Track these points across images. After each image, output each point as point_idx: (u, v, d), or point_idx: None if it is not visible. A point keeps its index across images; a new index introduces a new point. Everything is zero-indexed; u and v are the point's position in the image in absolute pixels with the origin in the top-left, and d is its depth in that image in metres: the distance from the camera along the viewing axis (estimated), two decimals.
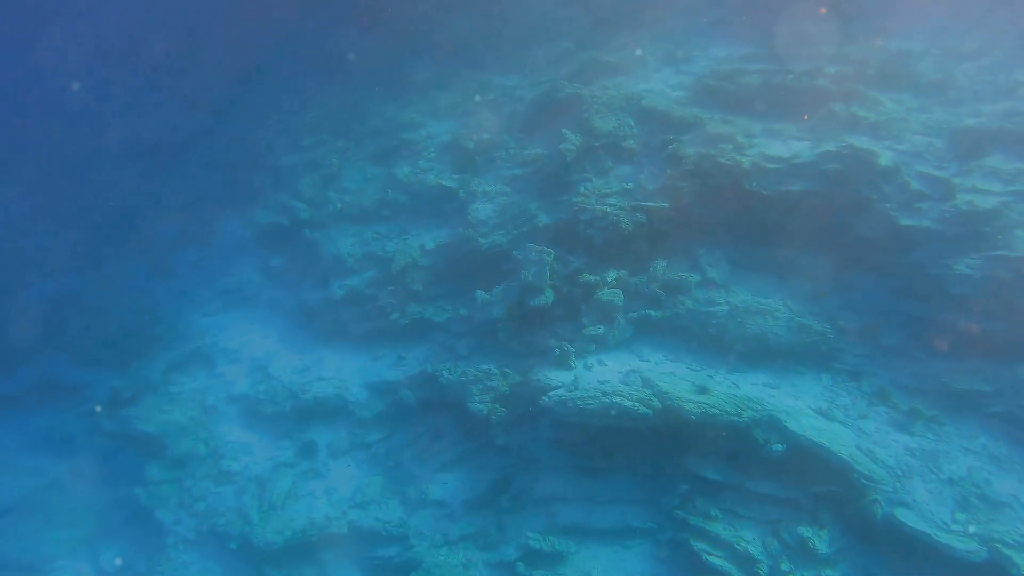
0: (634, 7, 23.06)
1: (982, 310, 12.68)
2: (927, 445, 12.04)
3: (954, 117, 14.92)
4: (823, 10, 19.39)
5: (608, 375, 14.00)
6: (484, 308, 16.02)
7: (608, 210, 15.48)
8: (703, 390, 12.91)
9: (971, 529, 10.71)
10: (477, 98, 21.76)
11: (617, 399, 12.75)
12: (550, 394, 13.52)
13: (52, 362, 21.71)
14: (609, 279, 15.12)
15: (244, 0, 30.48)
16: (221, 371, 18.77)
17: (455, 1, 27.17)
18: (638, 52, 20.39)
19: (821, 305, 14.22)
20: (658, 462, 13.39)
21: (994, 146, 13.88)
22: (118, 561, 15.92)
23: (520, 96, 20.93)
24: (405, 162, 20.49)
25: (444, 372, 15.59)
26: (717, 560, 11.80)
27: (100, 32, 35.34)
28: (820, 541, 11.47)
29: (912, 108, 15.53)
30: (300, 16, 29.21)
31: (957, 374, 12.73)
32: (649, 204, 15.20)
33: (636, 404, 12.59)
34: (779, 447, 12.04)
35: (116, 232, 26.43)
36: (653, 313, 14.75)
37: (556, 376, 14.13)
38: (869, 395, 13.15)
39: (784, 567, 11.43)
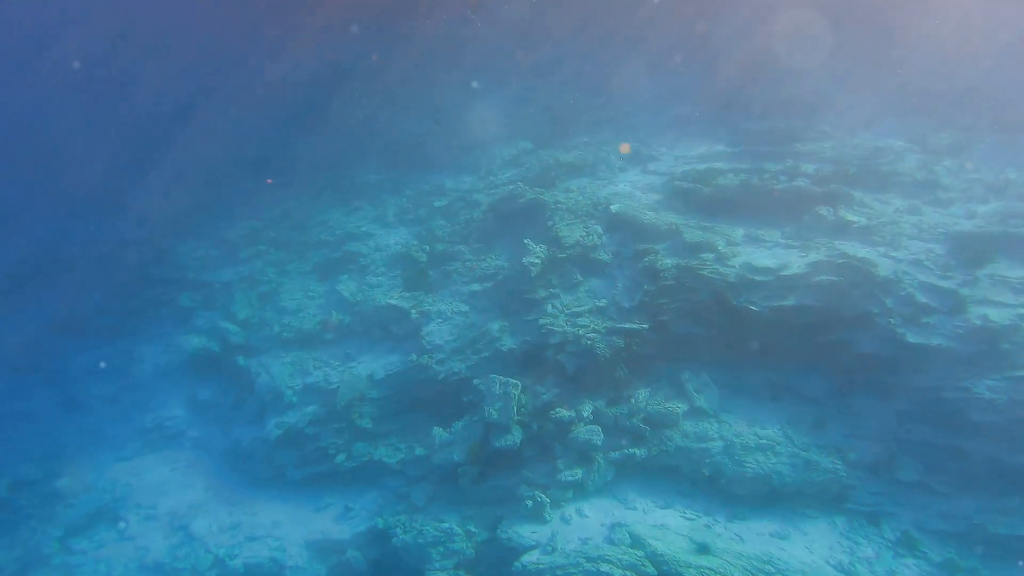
0: (593, 104, 22.77)
1: (1012, 438, 11.57)
2: None
3: (949, 219, 14.34)
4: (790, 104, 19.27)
5: (590, 530, 12.44)
6: (442, 449, 14.40)
7: (580, 332, 14.26)
8: (703, 549, 11.38)
9: None
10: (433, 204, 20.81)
11: (605, 568, 11.10)
12: (524, 559, 11.91)
13: None
14: (585, 413, 13.72)
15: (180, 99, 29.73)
16: (133, 532, 16.50)
17: (405, 99, 26.77)
18: (601, 152, 19.80)
19: (825, 435, 12.98)
20: None
21: (997, 251, 13.20)
22: None
23: (476, 201, 20.05)
24: (351, 277, 19.21)
25: (398, 530, 13.75)
26: None
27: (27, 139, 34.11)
28: None
29: (901, 210, 14.96)
30: (240, 115, 28.40)
31: (992, 514, 11.48)
32: (627, 326, 14.02)
33: (626, 574, 10.93)
34: None
35: (25, 361, 24.20)
36: (637, 452, 13.32)
37: (529, 532, 12.60)
38: (893, 543, 11.75)
39: None
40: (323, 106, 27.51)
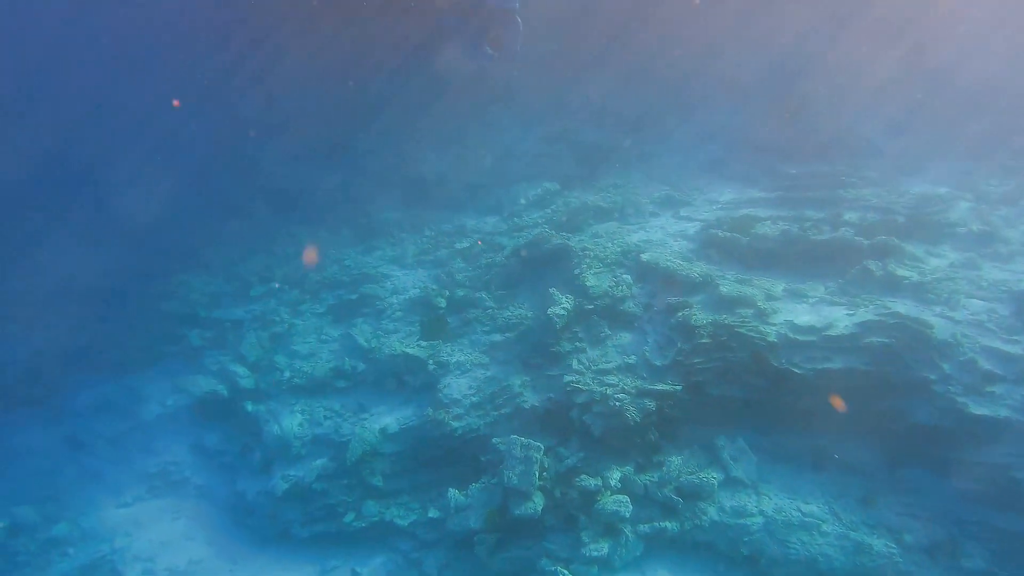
0: (622, 143, 22.07)
1: None
2: None
3: (1011, 276, 13.33)
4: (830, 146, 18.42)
5: None
6: (458, 514, 13.48)
7: (608, 392, 13.34)
8: None
9: None
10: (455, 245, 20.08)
11: None
12: None
13: None
14: (612, 481, 12.73)
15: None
16: None
17: (428, 134, 26.27)
18: (631, 195, 19.01)
19: (876, 512, 11.89)
20: None
21: None
22: None
23: (499, 244, 19.30)
24: (366, 321, 18.47)
25: None
26: None
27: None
28: None
29: (957, 264, 13.96)
30: (255, 147, 28.05)
31: None
32: (659, 387, 13.08)
33: None
34: None
35: (29, 393, 23.69)
36: (669, 525, 12.30)
37: None
38: None
39: None
40: (343, 139, 27.13)
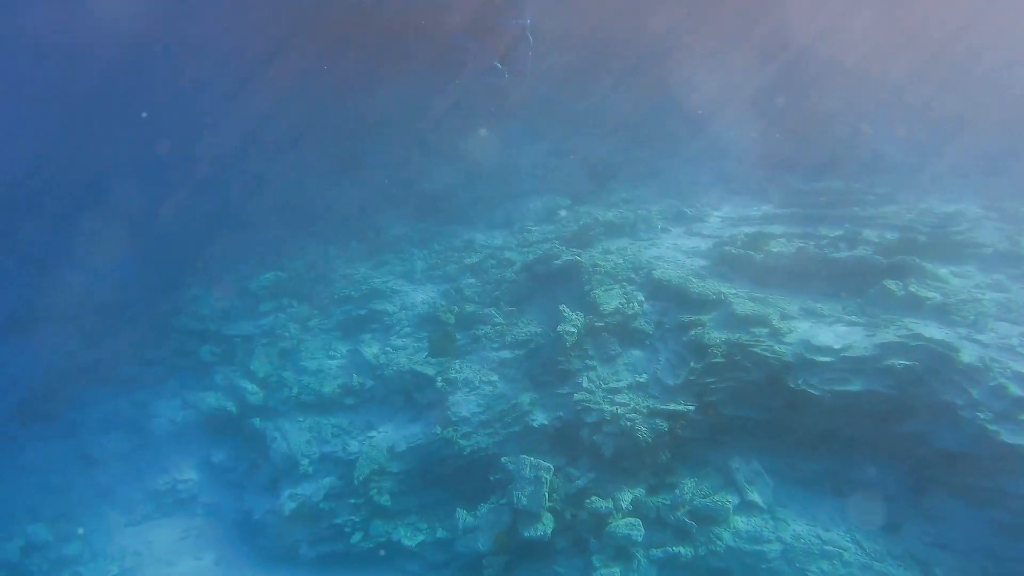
0: (632, 157, 21.83)
1: None
2: None
3: None
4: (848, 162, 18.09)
5: None
6: (466, 535, 13.22)
7: (619, 412, 13.06)
8: None
9: None
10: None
11: None
12: None
13: None
14: (624, 504, 12.44)
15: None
16: None
17: (436, 148, 26.18)
18: (642, 210, 18.76)
19: (902, 541, 11.48)
20: None
21: None
22: None
23: (509, 259, 19.09)
24: (375, 337, 18.28)
25: None
26: None
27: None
28: None
29: (983, 285, 13.56)
30: (266, 161, 28.06)
31: None
32: (671, 407, 12.79)
33: None
34: None
35: (42, 408, 23.67)
36: (682, 551, 11.97)
37: None
38: None
39: None
40: (354, 154, 27.09)
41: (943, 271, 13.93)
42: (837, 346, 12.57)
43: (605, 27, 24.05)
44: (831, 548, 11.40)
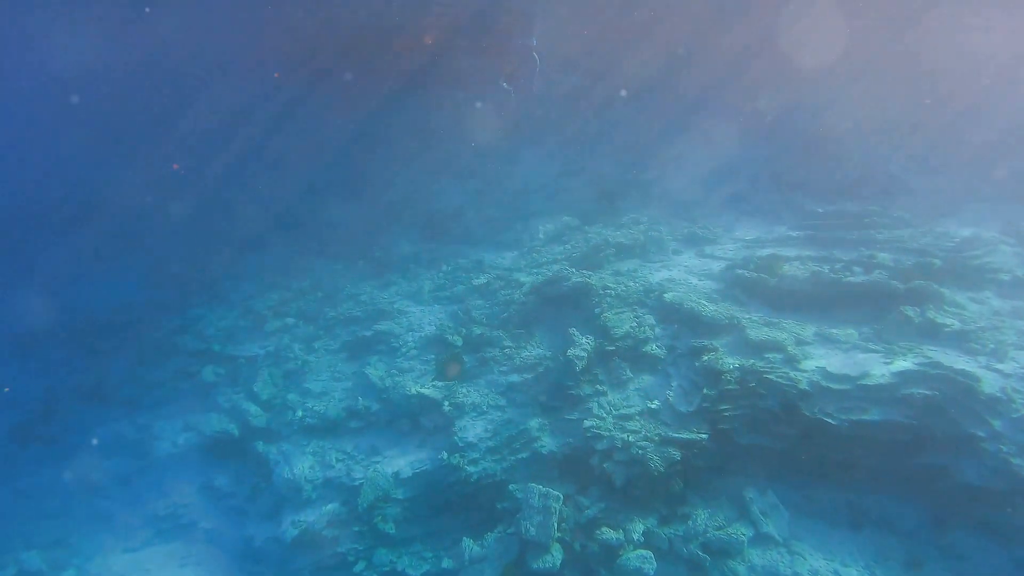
0: (644, 178, 21.66)
1: None
2: None
3: None
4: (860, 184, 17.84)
5: None
6: (473, 566, 12.86)
7: (631, 440, 12.74)
8: None
9: None
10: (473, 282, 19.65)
11: None
12: None
13: None
14: (635, 535, 12.08)
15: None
16: None
17: (445, 167, 26.08)
18: (653, 231, 18.52)
19: None
20: None
21: None
22: None
23: (517, 280, 18.85)
24: (381, 359, 18.01)
25: None
26: None
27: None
28: None
29: (1002, 313, 13.25)
30: (273, 181, 28.02)
31: None
32: (683, 436, 12.47)
33: None
34: None
35: (43, 431, 23.40)
36: None
37: None
38: None
39: None
40: (359, 172, 27.02)
41: (960, 297, 13.63)
42: (854, 374, 12.25)
43: (613, 47, 24.01)
44: None
